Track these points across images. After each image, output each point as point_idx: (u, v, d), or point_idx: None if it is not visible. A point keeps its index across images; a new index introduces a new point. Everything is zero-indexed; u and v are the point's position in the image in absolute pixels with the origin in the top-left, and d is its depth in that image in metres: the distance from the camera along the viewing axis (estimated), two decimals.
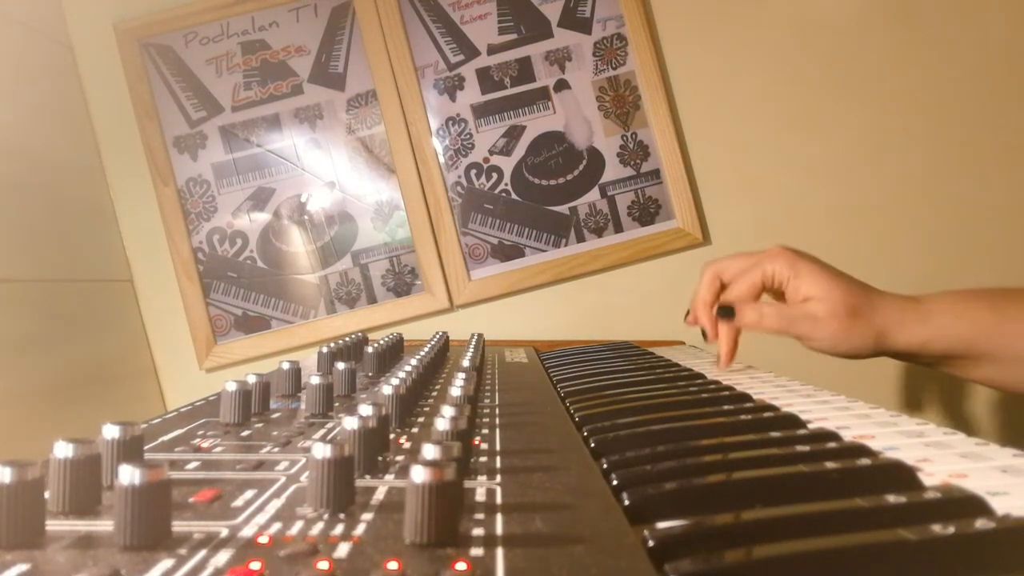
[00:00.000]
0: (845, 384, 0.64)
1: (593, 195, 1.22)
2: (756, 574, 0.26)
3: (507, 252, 1.23)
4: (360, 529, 0.28)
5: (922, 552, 0.26)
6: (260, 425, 0.47)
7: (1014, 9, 1.21)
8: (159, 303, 1.25)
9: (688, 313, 0.76)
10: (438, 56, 1.24)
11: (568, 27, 1.24)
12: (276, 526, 0.28)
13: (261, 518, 0.29)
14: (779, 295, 0.73)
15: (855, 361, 0.69)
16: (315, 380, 0.50)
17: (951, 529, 0.27)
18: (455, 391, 0.43)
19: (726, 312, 0.69)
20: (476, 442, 0.42)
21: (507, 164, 1.23)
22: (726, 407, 0.52)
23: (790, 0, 1.24)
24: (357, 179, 1.25)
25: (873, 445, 0.40)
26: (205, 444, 0.42)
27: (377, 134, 1.24)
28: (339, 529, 0.28)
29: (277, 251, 1.25)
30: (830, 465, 0.35)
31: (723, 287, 0.73)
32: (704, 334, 0.74)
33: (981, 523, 0.28)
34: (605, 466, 0.38)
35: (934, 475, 0.35)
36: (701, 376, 0.66)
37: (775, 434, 0.43)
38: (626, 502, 0.32)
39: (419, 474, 0.26)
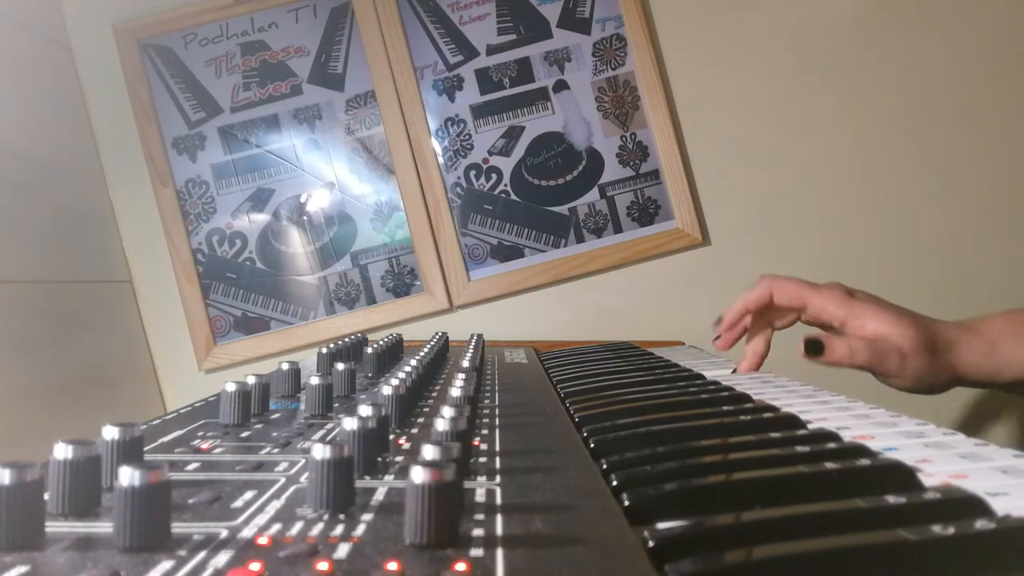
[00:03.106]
0: (848, 387, 0.64)
1: (592, 196, 1.22)
2: (756, 574, 0.26)
3: (506, 253, 1.23)
4: (360, 530, 0.28)
5: (922, 552, 0.26)
6: (260, 426, 0.47)
7: (1014, 10, 1.21)
8: (158, 304, 1.25)
9: (719, 320, 0.73)
10: (437, 57, 1.24)
11: (567, 28, 1.24)
12: (276, 527, 0.28)
13: (261, 519, 0.29)
14: (827, 329, 0.71)
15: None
16: (315, 381, 0.50)
17: (951, 530, 0.27)
18: (455, 392, 0.43)
19: (815, 347, 0.65)
20: (476, 443, 0.42)
21: (506, 165, 1.23)
22: (726, 407, 0.52)
23: (789, 1, 1.24)
24: (356, 180, 1.25)
25: (873, 445, 0.40)
26: (205, 445, 0.42)
27: (376, 135, 1.24)
28: (339, 530, 0.28)
29: (276, 252, 1.25)
30: (830, 465, 0.35)
31: (769, 302, 0.71)
32: (718, 320, 0.72)
33: (981, 524, 0.28)
34: (605, 467, 0.38)
35: (934, 476, 0.35)
36: (701, 376, 0.66)
37: (775, 434, 0.43)
38: (626, 503, 0.32)
39: (419, 475, 0.26)
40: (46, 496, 0.28)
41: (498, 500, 0.31)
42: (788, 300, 0.70)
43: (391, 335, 0.84)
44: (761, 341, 0.74)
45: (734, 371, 0.73)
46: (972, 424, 1.16)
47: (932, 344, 0.64)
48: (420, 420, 0.48)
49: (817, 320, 0.70)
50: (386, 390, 0.45)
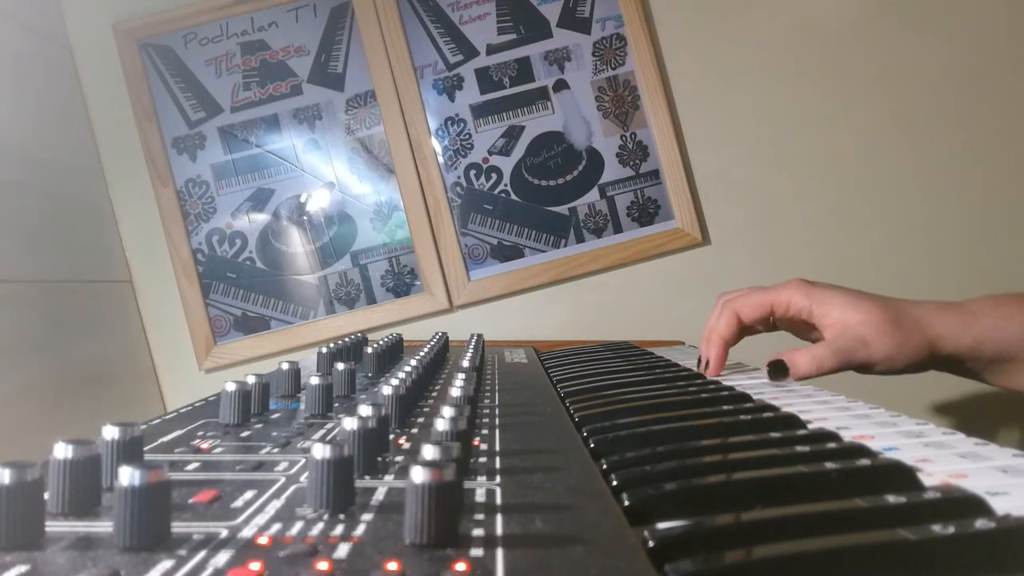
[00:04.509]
0: (849, 387, 0.64)
1: (592, 195, 1.22)
2: (756, 574, 0.26)
3: (506, 252, 1.23)
4: (360, 530, 0.28)
5: (922, 552, 0.26)
6: (260, 426, 0.47)
7: (1014, 9, 1.21)
8: (158, 304, 1.25)
9: (699, 362, 0.72)
10: (437, 56, 1.24)
11: (567, 27, 1.24)
12: (276, 527, 0.28)
13: (261, 519, 0.29)
14: (801, 327, 0.72)
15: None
16: (315, 381, 0.50)
17: (951, 529, 0.27)
18: (455, 391, 0.43)
19: (778, 369, 0.65)
20: (476, 442, 0.42)
21: (506, 164, 1.23)
22: (726, 407, 0.52)
23: (789, 1, 1.24)
24: (356, 180, 1.25)
25: (873, 445, 0.40)
26: (205, 445, 0.42)
27: (376, 134, 1.24)
28: (339, 530, 0.28)
29: (276, 252, 1.25)
30: (830, 465, 0.35)
31: (740, 324, 0.70)
32: (706, 364, 0.72)
33: (981, 523, 0.28)
34: (605, 466, 0.38)
35: (934, 475, 0.35)
36: (701, 376, 0.66)
37: (775, 434, 0.43)
38: (626, 502, 0.32)
39: (419, 475, 0.26)
40: (46, 496, 0.28)
41: (498, 500, 0.31)
42: (755, 313, 0.70)
43: (391, 335, 0.84)
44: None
45: (706, 364, 0.71)
46: (972, 424, 1.16)
47: (898, 321, 0.64)
48: (420, 420, 0.48)
49: (786, 316, 0.70)
50: (386, 390, 0.45)
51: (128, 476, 0.25)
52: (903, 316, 0.64)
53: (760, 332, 0.73)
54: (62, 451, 0.29)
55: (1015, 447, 0.38)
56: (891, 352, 0.64)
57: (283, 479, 0.35)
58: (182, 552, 0.25)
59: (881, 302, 0.65)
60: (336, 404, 0.53)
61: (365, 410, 0.36)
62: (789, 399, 0.55)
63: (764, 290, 0.70)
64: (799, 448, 0.39)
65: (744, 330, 0.71)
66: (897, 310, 0.65)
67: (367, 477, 0.35)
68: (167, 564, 0.24)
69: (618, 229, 1.22)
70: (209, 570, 0.24)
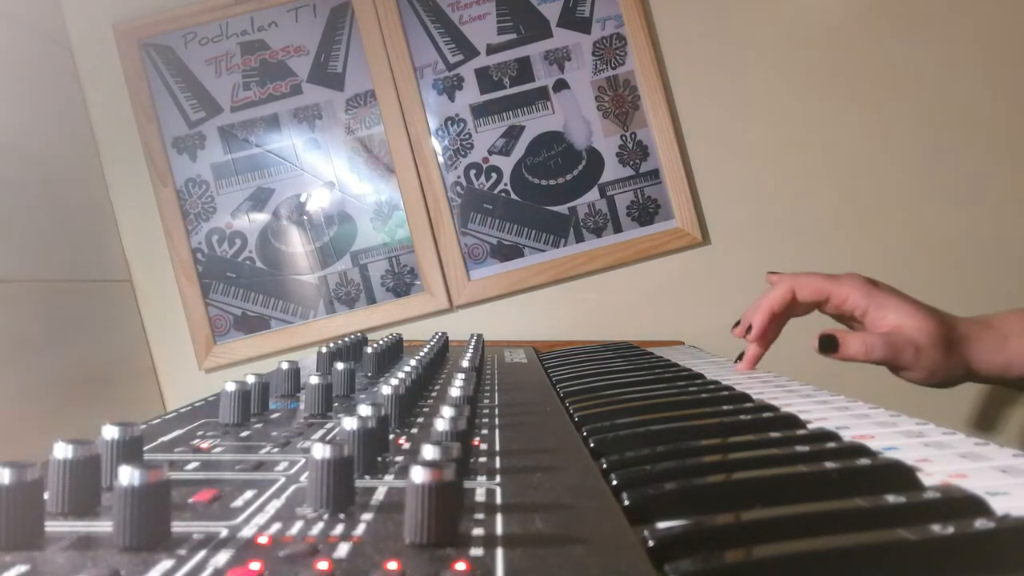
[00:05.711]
0: (849, 387, 0.64)
1: (592, 195, 1.22)
2: (756, 574, 0.26)
3: (506, 252, 1.23)
4: (360, 529, 0.28)
5: (922, 552, 0.26)
6: (259, 425, 0.47)
7: (1015, 9, 1.21)
8: (158, 303, 1.25)
9: (737, 324, 0.73)
10: (437, 56, 1.24)
11: (567, 27, 1.24)
12: (276, 526, 0.28)
13: (261, 518, 0.29)
14: (848, 321, 0.72)
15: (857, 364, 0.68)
16: (314, 380, 0.50)
17: (951, 529, 0.27)
18: (454, 391, 0.43)
19: (829, 344, 0.64)
20: (476, 442, 0.42)
21: (506, 164, 1.23)
22: (725, 407, 0.52)
23: (789, 1, 1.24)
24: (356, 179, 1.25)
25: (873, 445, 0.40)
26: (204, 445, 0.42)
27: (376, 134, 1.24)
28: (339, 529, 0.28)
29: (276, 251, 1.25)
30: (830, 465, 0.35)
31: (793, 300, 0.70)
32: (746, 329, 0.72)
33: (981, 523, 0.28)
34: (605, 466, 0.38)
35: (934, 475, 0.35)
36: (700, 376, 0.66)
37: (775, 434, 0.43)
38: (626, 502, 0.32)
39: (419, 474, 0.26)
40: (46, 496, 0.28)
41: (498, 500, 0.32)
42: (811, 296, 0.70)
43: (391, 335, 0.84)
44: (761, 343, 0.74)
45: (739, 357, 0.74)
46: (972, 424, 1.16)
47: (950, 340, 0.65)
48: (420, 420, 0.48)
49: (838, 311, 0.70)
50: (386, 390, 0.45)
51: (128, 476, 0.25)
52: (952, 334, 0.65)
53: (804, 315, 0.73)
54: (62, 451, 0.29)
55: (1015, 447, 0.38)
56: (936, 366, 0.64)
57: (283, 479, 0.35)
58: (182, 552, 0.25)
59: (939, 317, 0.66)
60: (336, 404, 0.53)
61: (365, 410, 0.36)
62: (789, 399, 0.55)
63: (825, 278, 0.70)
64: (799, 448, 0.39)
65: (794, 307, 0.71)
66: (950, 328, 0.66)
67: (367, 477, 0.35)
68: (167, 564, 0.24)
69: (618, 229, 1.22)
70: (209, 570, 0.24)
